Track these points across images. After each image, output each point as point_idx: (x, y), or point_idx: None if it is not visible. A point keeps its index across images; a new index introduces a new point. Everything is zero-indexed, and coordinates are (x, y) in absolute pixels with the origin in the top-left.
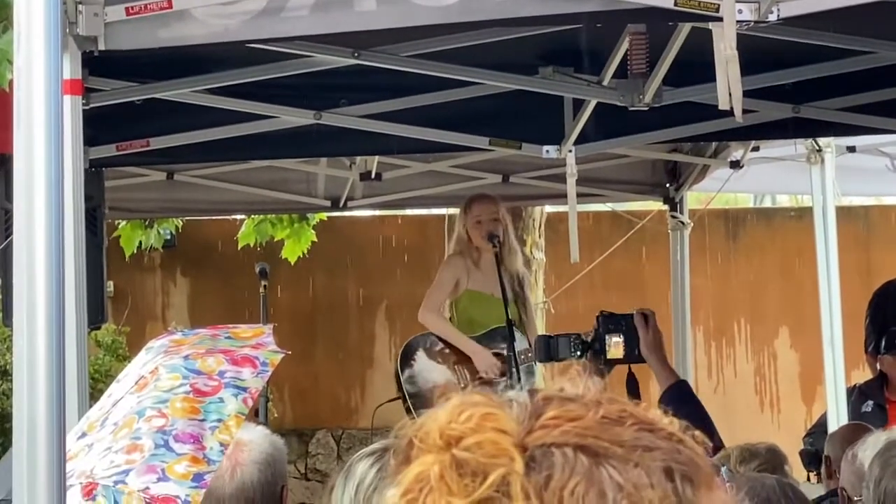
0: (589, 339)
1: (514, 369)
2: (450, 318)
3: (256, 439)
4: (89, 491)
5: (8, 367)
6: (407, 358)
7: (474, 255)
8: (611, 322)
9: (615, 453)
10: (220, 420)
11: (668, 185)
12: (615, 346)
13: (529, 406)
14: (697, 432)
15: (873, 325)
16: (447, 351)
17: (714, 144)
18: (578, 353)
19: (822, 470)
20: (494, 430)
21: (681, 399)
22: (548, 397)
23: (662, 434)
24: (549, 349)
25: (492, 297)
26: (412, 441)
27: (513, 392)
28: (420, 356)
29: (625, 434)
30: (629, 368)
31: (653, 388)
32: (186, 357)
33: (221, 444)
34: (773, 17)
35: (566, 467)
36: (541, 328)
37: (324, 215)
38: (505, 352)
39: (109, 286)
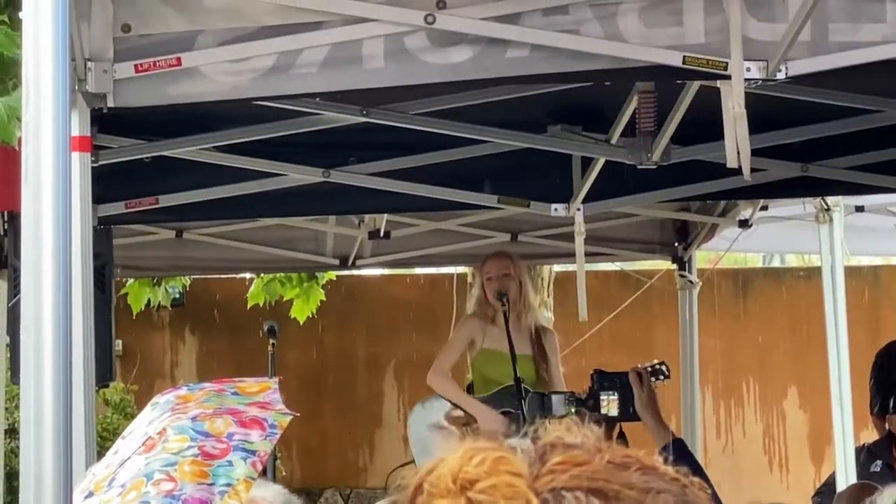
0: (583, 397)
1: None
2: (469, 377)
3: (270, 497)
4: None
5: (16, 425)
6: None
7: (490, 313)
8: (605, 380)
9: (627, 496)
10: (229, 484)
11: (676, 244)
12: (610, 403)
13: (534, 452)
14: (697, 479)
15: (878, 385)
16: (455, 414)
17: (722, 203)
18: (573, 410)
19: None
20: (508, 473)
21: (678, 457)
22: (551, 444)
23: (668, 478)
24: (542, 407)
25: (507, 355)
26: (421, 486)
27: (514, 440)
28: (429, 421)
29: (633, 478)
30: (620, 427)
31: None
32: (194, 418)
33: None
34: (781, 76)
35: None
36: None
37: (332, 274)
38: (512, 410)
39: (118, 344)
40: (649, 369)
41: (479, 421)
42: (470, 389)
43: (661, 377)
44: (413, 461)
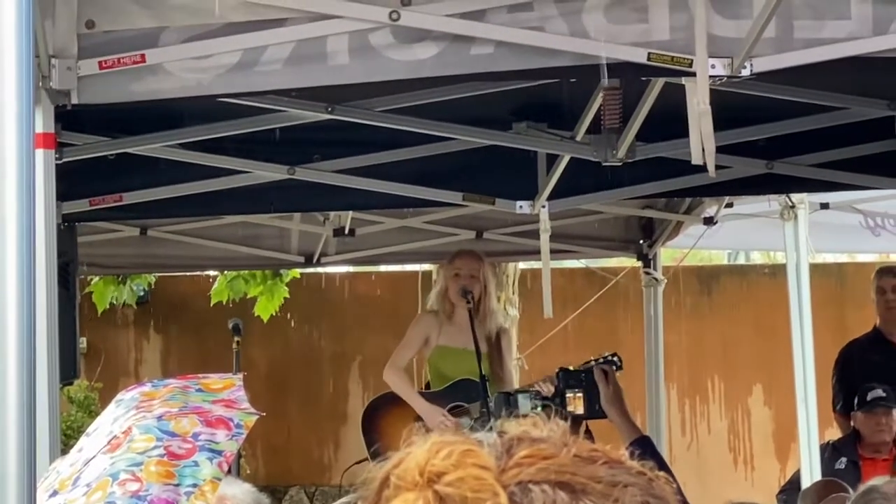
0: (549, 395)
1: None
2: (427, 375)
3: (241, 495)
4: None
5: None
6: (369, 419)
7: (447, 309)
8: (571, 378)
9: (594, 489)
10: (195, 485)
11: (641, 241)
12: (576, 401)
13: (500, 446)
14: (663, 473)
15: (840, 383)
16: (406, 410)
17: (688, 201)
18: (539, 408)
19: None
20: (476, 465)
21: (644, 454)
22: (518, 438)
23: (634, 471)
24: (507, 405)
25: (463, 351)
26: (388, 479)
27: (480, 434)
28: (381, 417)
29: (600, 471)
30: (586, 425)
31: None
32: (160, 417)
33: None
34: (746, 73)
35: (547, 503)
36: (516, 384)
37: (297, 272)
38: (465, 404)
39: (82, 342)
40: (601, 361)
41: (424, 419)
42: (428, 387)
43: (615, 368)
44: (368, 458)
